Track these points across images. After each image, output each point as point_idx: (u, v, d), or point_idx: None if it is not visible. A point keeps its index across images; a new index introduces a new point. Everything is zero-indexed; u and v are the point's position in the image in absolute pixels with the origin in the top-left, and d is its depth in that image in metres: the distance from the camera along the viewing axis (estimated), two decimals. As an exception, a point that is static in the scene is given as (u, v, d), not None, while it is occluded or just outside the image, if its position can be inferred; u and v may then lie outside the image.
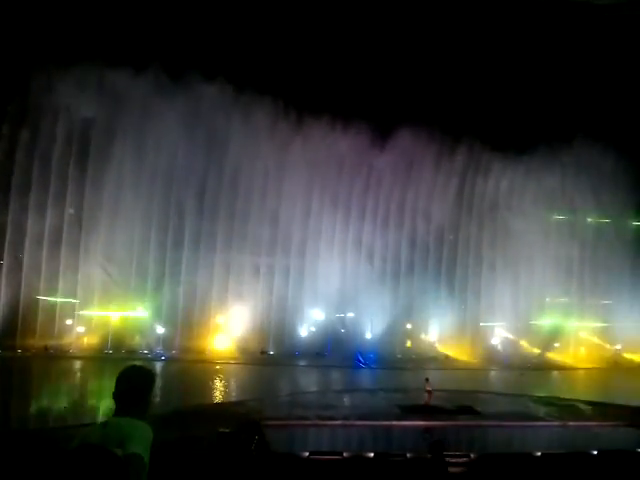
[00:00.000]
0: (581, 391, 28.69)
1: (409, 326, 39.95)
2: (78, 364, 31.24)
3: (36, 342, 33.46)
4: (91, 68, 34.03)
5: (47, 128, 35.58)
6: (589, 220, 42.14)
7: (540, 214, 41.20)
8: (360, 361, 34.23)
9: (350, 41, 41.98)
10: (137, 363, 3.56)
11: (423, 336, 39.89)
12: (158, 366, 31.32)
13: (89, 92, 34.76)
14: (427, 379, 20.60)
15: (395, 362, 34.35)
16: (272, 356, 35.15)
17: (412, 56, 40.97)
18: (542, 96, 41.75)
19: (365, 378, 31.52)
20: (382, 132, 38.79)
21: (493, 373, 34.40)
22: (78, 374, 29.16)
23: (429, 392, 20.09)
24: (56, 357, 31.85)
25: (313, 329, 38.76)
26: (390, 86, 40.44)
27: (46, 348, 33.01)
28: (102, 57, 33.96)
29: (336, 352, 34.68)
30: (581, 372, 35.12)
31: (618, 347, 41.61)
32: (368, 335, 36.27)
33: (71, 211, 36.60)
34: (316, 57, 40.69)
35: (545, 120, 40.75)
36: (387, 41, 42.19)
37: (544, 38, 41.74)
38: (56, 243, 35.49)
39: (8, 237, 35.35)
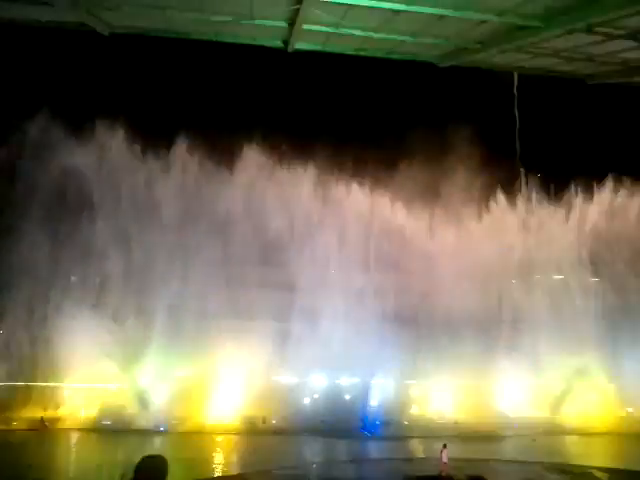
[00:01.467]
0: (595, 457, 27.68)
1: (415, 391, 38.97)
2: (75, 438, 30.35)
3: (32, 414, 32.61)
4: None
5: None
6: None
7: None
8: (365, 429, 33.18)
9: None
10: (152, 453, 3.56)
11: (430, 401, 38.79)
12: (157, 438, 30.43)
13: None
14: (445, 445, 20.04)
15: (402, 430, 33.33)
16: (274, 425, 34.11)
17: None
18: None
19: (372, 447, 30.50)
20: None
21: (503, 439, 33.29)
22: (74, 450, 28.29)
23: (444, 463, 19.56)
24: (53, 430, 30.99)
25: (316, 396, 37.77)
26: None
27: (42, 420, 32.15)
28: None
29: (341, 420, 33.67)
30: (593, 437, 33.92)
31: (630, 410, 40.39)
32: (373, 402, 35.28)
33: (74, 278, 36.70)
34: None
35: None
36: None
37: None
38: (52, 311, 35.17)
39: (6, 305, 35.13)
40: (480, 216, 42.02)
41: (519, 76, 39.12)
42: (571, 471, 23.24)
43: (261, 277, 38.67)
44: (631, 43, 21.31)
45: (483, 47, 22.45)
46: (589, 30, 19.99)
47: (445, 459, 19.83)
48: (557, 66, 24.66)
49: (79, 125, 36.39)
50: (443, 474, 19.42)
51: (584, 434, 34.78)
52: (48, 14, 22.50)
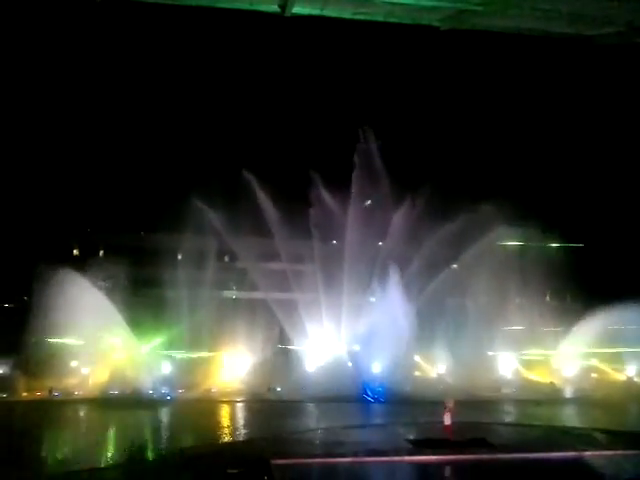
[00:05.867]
0: (598, 420, 28.07)
1: (417, 358, 39.47)
2: (83, 408, 30.92)
3: (41, 384, 33.16)
4: None
5: None
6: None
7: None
8: (368, 395, 33.66)
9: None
10: None
11: (431, 368, 39.32)
12: (164, 406, 31.05)
13: None
14: (446, 406, 20.03)
15: (403, 395, 33.83)
16: (279, 393, 34.69)
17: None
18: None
19: (374, 413, 31.01)
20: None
21: (505, 404, 33.82)
22: (83, 419, 28.87)
23: (447, 425, 19.57)
24: (61, 401, 31.54)
25: (320, 364, 38.30)
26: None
27: (50, 391, 32.70)
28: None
29: (344, 387, 34.17)
30: (596, 401, 34.39)
31: (631, 374, 41.03)
32: (376, 368, 35.72)
33: (76, 252, 36.98)
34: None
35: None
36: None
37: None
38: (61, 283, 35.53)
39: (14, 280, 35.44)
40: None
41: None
42: (571, 433, 23.63)
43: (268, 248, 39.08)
44: (635, 4, 20.78)
45: (484, 8, 21.90)
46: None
47: (448, 421, 19.65)
48: (559, 28, 24.05)
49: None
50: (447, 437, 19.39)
51: (585, 399, 35.25)
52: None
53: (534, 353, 41.51)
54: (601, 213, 46.27)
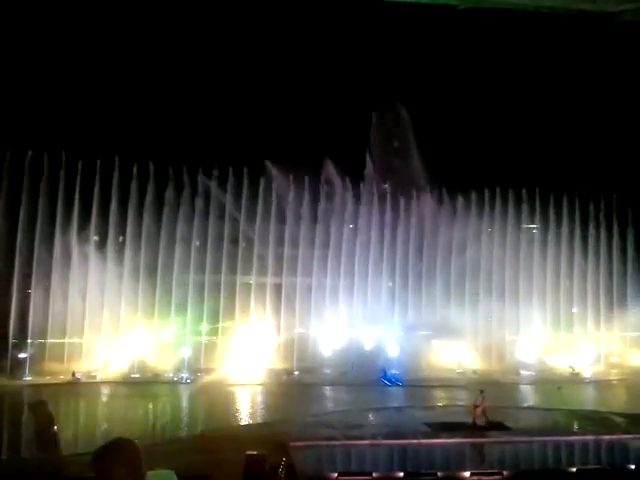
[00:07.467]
0: (617, 404, 27.85)
1: (435, 342, 39.42)
2: (105, 391, 31.50)
3: (64, 367, 33.80)
4: None
5: None
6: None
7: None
8: (385, 379, 33.79)
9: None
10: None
11: (449, 352, 39.25)
12: (184, 389, 31.55)
13: None
14: (482, 391, 19.85)
15: (421, 379, 33.87)
16: (297, 376, 34.95)
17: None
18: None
19: (391, 396, 31.13)
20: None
21: (523, 387, 33.70)
22: (104, 403, 29.47)
23: (477, 407, 19.42)
24: (85, 384, 32.17)
25: (337, 348, 38.46)
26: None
27: (73, 374, 33.31)
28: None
29: (361, 371, 34.33)
30: (615, 385, 34.11)
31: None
32: (393, 352, 35.78)
33: (96, 237, 37.36)
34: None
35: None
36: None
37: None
38: (81, 269, 36.06)
39: (35, 265, 35.93)
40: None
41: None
42: (589, 417, 23.46)
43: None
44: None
45: (503, -14, 21.35)
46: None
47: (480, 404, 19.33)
48: (579, 4, 23.44)
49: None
50: (477, 421, 19.09)
51: (604, 383, 34.96)
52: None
53: (554, 337, 41.17)
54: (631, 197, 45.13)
